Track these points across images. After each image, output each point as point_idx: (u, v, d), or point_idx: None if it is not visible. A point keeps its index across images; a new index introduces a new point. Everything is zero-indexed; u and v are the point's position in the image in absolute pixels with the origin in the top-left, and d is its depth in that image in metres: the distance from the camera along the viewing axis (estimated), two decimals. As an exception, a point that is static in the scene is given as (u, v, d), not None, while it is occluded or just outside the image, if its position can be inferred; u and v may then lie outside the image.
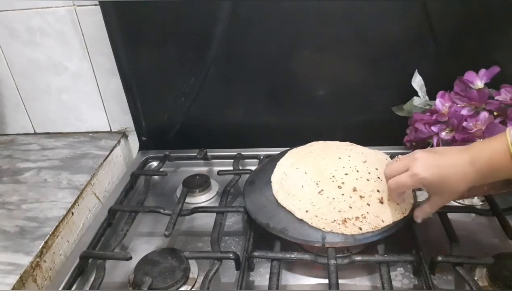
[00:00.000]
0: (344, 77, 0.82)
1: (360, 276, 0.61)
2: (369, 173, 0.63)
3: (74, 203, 0.73)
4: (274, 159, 0.73)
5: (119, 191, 0.79)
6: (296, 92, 0.84)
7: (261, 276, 0.62)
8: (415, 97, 0.78)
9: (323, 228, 0.59)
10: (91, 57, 0.87)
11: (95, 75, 0.89)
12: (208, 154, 0.88)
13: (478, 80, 0.72)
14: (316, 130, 0.82)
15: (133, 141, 0.97)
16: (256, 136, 0.89)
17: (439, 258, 0.57)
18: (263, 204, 0.65)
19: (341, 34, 0.76)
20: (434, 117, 0.72)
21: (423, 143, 0.75)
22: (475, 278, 0.56)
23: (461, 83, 0.73)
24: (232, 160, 0.85)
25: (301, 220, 0.60)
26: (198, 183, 0.80)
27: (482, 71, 0.72)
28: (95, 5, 0.80)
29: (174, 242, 0.70)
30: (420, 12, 0.73)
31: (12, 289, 0.57)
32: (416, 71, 0.78)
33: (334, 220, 0.59)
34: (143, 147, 0.94)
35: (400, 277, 0.60)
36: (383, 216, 0.59)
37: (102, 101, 0.92)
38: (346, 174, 0.63)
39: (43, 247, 0.64)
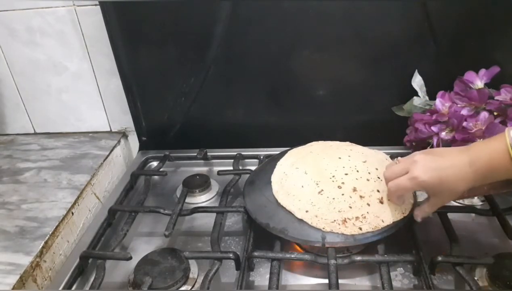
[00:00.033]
0: (344, 77, 0.82)
1: (360, 276, 0.61)
2: (369, 173, 0.63)
3: (74, 203, 0.73)
4: (274, 159, 0.73)
5: (119, 191, 0.79)
6: (296, 92, 0.84)
7: (261, 276, 0.62)
8: (415, 97, 0.78)
9: (323, 228, 0.59)
10: (91, 57, 0.87)
11: (95, 75, 0.89)
12: (208, 154, 0.88)
13: (478, 80, 0.72)
14: (316, 130, 0.82)
15: (133, 141, 0.97)
16: (256, 136, 0.89)
17: (439, 258, 0.57)
18: (263, 204, 0.65)
19: (341, 34, 0.76)
20: (434, 117, 0.72)
21: (423, 143, 0.75)
22: (475, 278, 0.56)
23: (461, 83, 0.73)
24: (232, 160, 0.85)
25: (301, 220, 0.60)
26: (198, 183, 0.80)
27: (482, 71, 0.72)
28: (95, 5, 0.80)
29: (174, 242, 0.70)
30: (420, 12, 0.73)
31: (12, 289, 0.57)
32: (416, 71, 0.78)
33: (334, 220, 0.59)
34: (143, 147, 0.94)
35: (400, 277, 0.60)
36: (383, 216, 0.59)
37: (102, 101, 0.92)
38: (346, 174, 0.63)
39: (43, 247, 0.64)
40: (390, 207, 0.60)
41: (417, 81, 0.78)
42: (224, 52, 0.80)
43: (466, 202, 0.71)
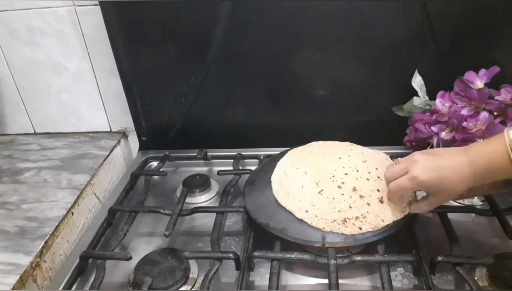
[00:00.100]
0: (344, 77, 0.82)
1: (360, 276, 0.61)
2: (369, 172, 0.63)
3: (74, 203, 0.73)
4: (274, 159, 0.73)
5: (119, 191, 0.79)
6: (296, 92, 0.84)
7: (261, 276, 0.62)
8: (415, 97, 0.78)
9: (323, 228, 0.59)
10: (91, 57, 0.87)
11: (95, 75, 0.89)
12: (208, 154, 0.88)
13: (478, 80, 0.72)
14: (316, 130, 0.82)
15: (133, 141, 0.97)
16: (256, 136, 0.89)
17: (439, 258, 0.57)
18: (263, 204, 0.65)
19: (341, 34, 0.76)
20: (434, 117, 0.72)
21: (423, 143, 0.75)
22: (475, 278, 0.56)
23: (461, 83, 0.73)
24: (232, 160, 0.85)
25: (301, 220, 0.60)
26: (198, 183, 0.80)
27: (482, 71, 0.72)
28: (95, 5, 0.80)
29: (174, 242, 0.70)
30: (420, 12, 0.73)
31: (12, 289, 0.57)
32: (416, 71, 0.78)
33: (334, 220, 0.59)
34: (143, 147, 0.94)
35: (400, 277, 0.60)
36: (383, 216, 0.59)
37: (102, 101, 0.92)
38: (346, 174, 0.63)
39: (43, 247, 0.64)
40: (390, 206, 0.60)
41: (417, 81, 0.78)
42: (224, 52, 0.80)
43: (466, 202, 0.71)
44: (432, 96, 0.77)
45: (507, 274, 0.55)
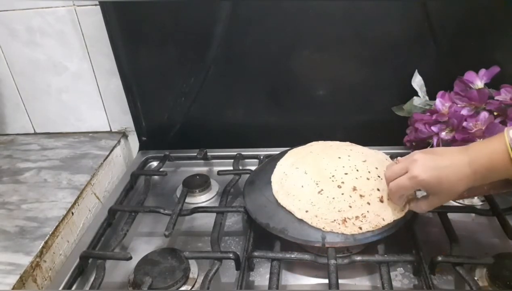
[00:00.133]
0: (344, 77, 0.82)
1: (360, 276, 0.61)
2: (369, 172, 0.63)
3: (74, 203, 0.73)
4: (274, 159, 0.73)
5: (119, 191, 0.79)
6: (296, 92, 0.84)
7: (261, 276, 0.62)
8: (415, 97, 0.78)
9: (323, 228, 0.59)
10: (91, 57, 0.87)
11: (95, 75, 0.89)
12: (208, 154, 0.88)
13: (478, 80, 0.72)
14: (316, 130, 0.82)
15: (133, 141, 0.97)
16: (256, 136, 0.89)
17: (439, 258, 0.57)
18: (263, 204, 0.65)
19: (341, 34, 0.76)
20: (434, 117, 0.72)
21: (423, 143, 0.75)
22: (475, 278, 0.56)
23: (461, 83, 0.73)
24: (232, 160, 0.85)
25: (301, 220, 0.60)
26: (198, 183, 0.80)
27: (482, 71, 0.72)
28: (95, 5, 0.80)
29: (174, 242, 0.70)
30: (420, 12, 0.73)
31: (12, 289, 0.57)
32: (416, 71, 0.78)
33: (334, 220, 0.59)
34: (143, 147, 0.94)
35: (400, 277, 0.60)
36: (384, 215, 0.59)
37: (102, 101, 0.92)
38: (346, 174, 0.63)
39: (43, 247, 0.64)
40: (390, 205, 0.60)
41: (417, 81, 0.78)
42: (224, 52, 0.80)
43: (466, 202, 0.71)
44: (432, 96, 0.77)
45: (507, 274, 0.55)
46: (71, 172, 0.82)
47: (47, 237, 0.65)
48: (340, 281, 0.55)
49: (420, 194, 0.62)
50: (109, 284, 0.62)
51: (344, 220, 0.58)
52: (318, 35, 0.77)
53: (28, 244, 0.64)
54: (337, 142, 0.73)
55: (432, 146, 0.72)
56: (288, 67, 0.81)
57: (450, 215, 0.65)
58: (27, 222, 0.69)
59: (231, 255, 0.60)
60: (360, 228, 0.58)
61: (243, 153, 0.87)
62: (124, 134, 0.96)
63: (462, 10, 0.73)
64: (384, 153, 0.72)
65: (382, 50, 0.77)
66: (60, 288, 0.60)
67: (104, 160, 0.86)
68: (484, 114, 0.68)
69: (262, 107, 0.87)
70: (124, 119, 0.94)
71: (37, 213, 0.71)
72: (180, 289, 0.59)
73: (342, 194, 0.60)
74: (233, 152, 0.87)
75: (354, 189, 0.61)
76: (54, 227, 0.67)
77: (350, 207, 0.59)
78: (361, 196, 0.60)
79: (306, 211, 0.60)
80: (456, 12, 0.73)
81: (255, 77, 0.83)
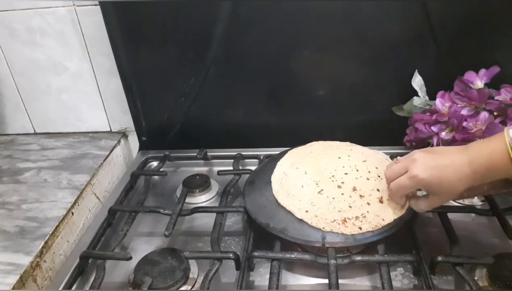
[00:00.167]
0: (344, 77, 0.82)
1: (360, 276, 0.61)
2: (369, 171, 0.63)
3: (74, 203, 0.73)
4: (274, 159, 0.73)
5: (119, 191, 0.79)
6: (296, 92, 0.84)
7: (261, 276, 0.62)
8: (415, 97, 0.78)
9: (323, 228, 0.59)
10: (91, 57, 0.87)
11: (95, 75, 0.89)
12: (208, 154, 0.88)
13: (478, 80, 0.72)
14: (316, 130, 0.82)
15: (133, 141, 0.97)
16: (256, 136, 0.89)
17: (439, 258, 0.57)
18: (263, 204, 0.65)
19: (341, 34, 0.76)
20: (434, 117, 0.72)
21: (423, 143, 0.75)
22: (475, 278, 0.56)
23: (461, 83, 0.73)
24: (232, 160, 0.85)
25: (301, 220, 0.60)
26: (198, 183, 0.80)
27: (482, 71, 0.72)
28: (95, 5, 0.80)
29: (174, 242, 0.70)
30: (420, 12, 0.73)
31: (12, 289, 0.57)
32: (416, 71, 0.78)
33: (334, 220, 0.59)
34: (143, 147, 0.94)
35: (400, 277, 0.60)
36: (383, 215, 0.59)
37: (102, 101, 0.92)
38: (346, 174, 0.63)
39: (43, 247, 0.64)
40: (390, 206, 0.60)
41: (417, 81, 0.78)
42: (224, 52, 0.80)
43: (466, 202, 0.71)
44: (432, 96, 0.76)
45: (507, 274, 0.55)
46: (71, 172, 0.82)
47: (47, 237, 0.65)
48: (340, 281, 0.55)
49: (421, 193, 0.62)
50: (109, 284, 0.62)
51: (344, 220, 0.58)
52: (318, 35, 0.77)
53: (28, 244, 0.64)
54: (337, 142, 0.73)
55: (432, 146, 0.72)
56: (288, 67, 0.81)
57: (450, 215, 0.65)
58: (27, 222, 0.69)
59: (231, 255, 0.60)
60: (360, 228, 0.58)
61: (243, 153, 0.87)
62: (124, 134, 0.96)
63: (462, 10, 0.73)
64: (384, 153, 0.72)
65: (382, 50, 0.77)
66: (60, 288, 0.60)
67: (104, 160, 0.86)
68: (484, 114, 0.68)
69: (262, 107, 0.87)
70: (124, 119, 0.94)
71: (37, 213, 0.71)
72: (180, 289, 0.59)
73: (342, 194, 0.60)
74: (233, 152, 0.87)
75: (354, 189, 0.61)
76: (54, 227, 0.67)
77: (350, 207, 0.59)
78: (361, 196, 0.60)
79: (306, 211, 0.60)
80: (456, 12, 0.73)
81: (255, 77, 0.83)
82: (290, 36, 0.77)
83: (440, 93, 0.74)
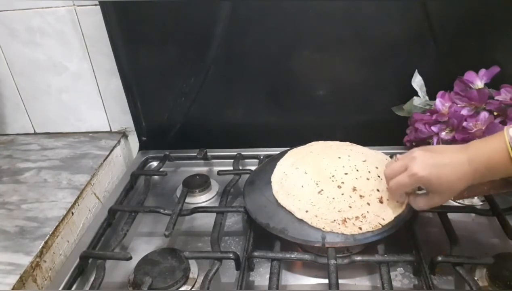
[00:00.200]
0: (344, 77, 0.82)
1: (360, 276, 0.61)
2: (369, 171, 0.63)
3: (74, 203, 0.73)
4: (274, 159, 0.73)
5: (119, 191, 0.79)
6: (296, 92, 0.84)
7: (261, 276, 0.62)
8: (415, 97, 0.78)
9: (323, 228, 0.59)
10: (91, 57, 0.87)
11: (95, 75, 0.89)
12: (208, 154, 0.88)
13: (478, 80, 0.72)
14: (316, 130, 0.82)
15: (133, 141, 0.97)
16: (256, 136, 0.89)
17: (439, 258, 0.57)
18: (263, 204, 0.65)
19: (341, 34, 0.76)
20: (434, 117, 0.72)
21: (423, 143, 0.74)
22: (475, 278, 0.56)
23: (461, 83, 0.73)
24: (232, 160, 0.85)
25: (301, 220, 0.60)
26: (198, 183, 0.80)
27: (482, 71, 0.72)
28: (95, 5, 0.80)
29: (174, 242, 0.70)
30: (420, 12, 0.73)
31: (12, 289, 0.57)
32: (416, 71, 0.78)
33: (334, 220, 0.59)
34: (143, 147, 0.94)
35: (400, 277, 0.60)
36: (383, 215, 0.59)
37: (102, 101, 0.92)
38: (346, 174, 0.63)
39: (43, 247, 0.64)
40: (390, 206, 0.60)
41: (417, 81, 0.78)
42: (224, 52, 0.80)
43: (466, 202, 0.71)
44: (432, 96, 0.77)
45: (507, 274, 0.55)
46: (71, 172, 0.82)
47: (47, 237, 0.65)
48: (340, 281, 0.55)
49: (421, 192, 0.62)
50: (109, 284, 0.62)
51: (344, 220, 0.58)
52: (318, 35, 0.77)
53: (28, 244, 0.64)
54: (337, 142, 0.73)
55: (432, 146, 0.72)
56: (288, 67, 0.81)
57: (450, 215, 0.65)
58: (27, 222, 0.69)
59: (231, 255, 0.60)
60: (360, 228, 0.58)
61: (243, 153, 0.87)
62: (124, 134, 0.96)
63: (462, 10, 0.73)
64: (384, 153, 0.72)
65: (382, 50, 0.77)
66: (60, 288, 0.60)
67: (104, 160, 0.86)
68: (484, 114, 0.68)
69: (262, 107, 0.87)
70: (124, 119, 0.94)
71: (37, 213, 0.71)
72: (180, 289, 0.59)
73: (342, 194, 0.60)
74: (233, 152, 0.87)
75: (354, 189, 0.61)
76: (54, 227, 0.67)
77: (350, 207, 0.59)
78: (361, 196, 0.60)
79: (306, 211, 0.60)
80: (456, 12, 0.73)
81: (255, 77, 0.83)
82: (290, 36, 0.77)
83: (440, 93, 0.74)
